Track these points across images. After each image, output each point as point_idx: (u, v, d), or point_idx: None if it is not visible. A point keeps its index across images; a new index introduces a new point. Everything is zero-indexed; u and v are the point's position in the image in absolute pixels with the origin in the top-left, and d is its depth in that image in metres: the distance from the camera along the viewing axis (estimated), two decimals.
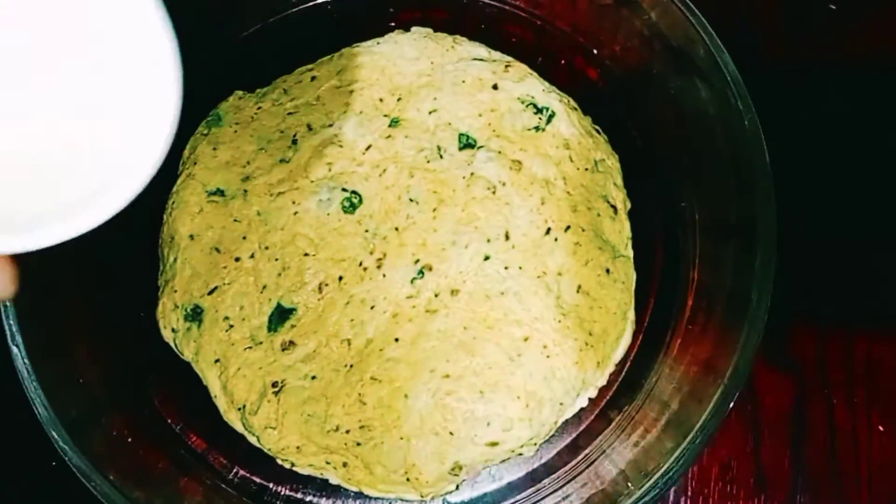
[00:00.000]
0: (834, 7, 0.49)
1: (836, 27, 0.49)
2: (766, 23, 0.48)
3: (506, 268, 0.40)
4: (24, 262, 0.30)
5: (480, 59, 0.44)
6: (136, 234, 0.43)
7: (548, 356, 0.39)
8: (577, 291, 0.40)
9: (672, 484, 0.35)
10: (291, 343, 0.40)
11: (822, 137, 0.46)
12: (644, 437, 0.39)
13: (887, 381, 0.44)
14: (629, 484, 0.37)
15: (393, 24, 0.46)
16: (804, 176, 0.44)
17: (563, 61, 0.45)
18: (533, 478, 0.41)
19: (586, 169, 0.42)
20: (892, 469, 0.43)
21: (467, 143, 0.42)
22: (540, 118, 0.43)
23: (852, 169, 0.46)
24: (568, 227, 0.41)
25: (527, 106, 0.43)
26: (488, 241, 0.40)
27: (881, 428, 0.43)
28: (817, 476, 0.43)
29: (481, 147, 0.42)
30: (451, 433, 0.38)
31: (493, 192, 0.41)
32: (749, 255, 0.35)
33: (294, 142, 0.42)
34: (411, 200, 0.41)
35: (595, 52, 0.45)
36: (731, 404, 0.34)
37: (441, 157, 0.42)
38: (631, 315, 0.42)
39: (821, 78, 0.48)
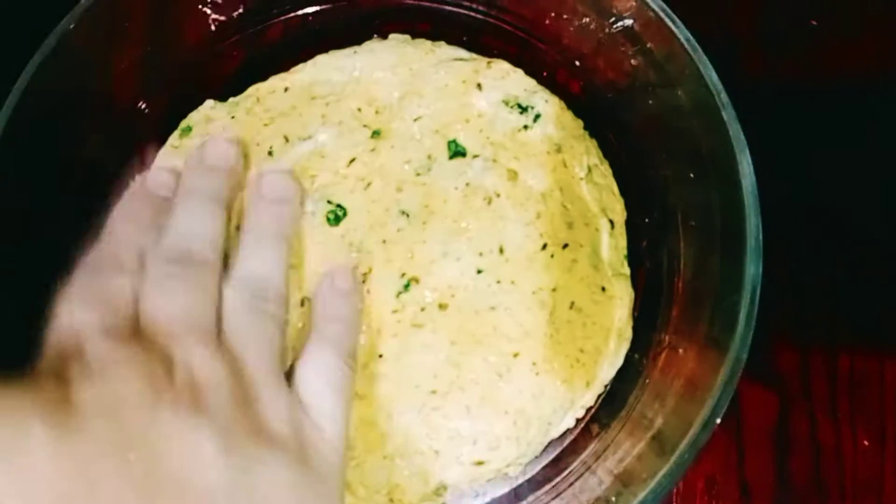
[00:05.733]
0: (815, 23, 0.49)
1: (817, 43, 0.49)
2: (746, 38, 0.49)
3: (498, 282, 0.39)
4: None
5: (461, 60, 0.44)
6: None
7: (537, 373, 0.38)
8: (571, 308, 0.40)
9: (658, 501, 0.35)
10: None
11: (804, 152, 0.47)
12: (629, 454, 0.38)
13: (871, 395, 0.44)
14: (614, 501, 0.37)
15: (375, 35, 0.45)
16: (785, 190, 0.44)
17: (545, 73, 0.45)
18: (517, 494, 0.41)
19: (581, 178, 0.42)
20: (876, 484, 0.42)
21: (457, 152, 0.42)
22: (526, 117, 0.42)
23: (835, 183, 0.46)
24: (566, 245, 0.40)
25: (512, 106, 0.42)
26: (480, 254, 0.39)
27: (866, 443, 0.43)
28: (802, 490, 0.42)
29: (476, 156, 0.41)
30: (436, 451, 0.37)
31: (489, 203, 0.40)
32: (736, 268, 0.34)
33: (270, 154, 0.41)
34: (401, 213, 0.40)
35: (577, 63, 0.45)
36: (719, 420, 0.33)
37: (430, 168, 0.41)
38: (627, 333, 0.41)
39: (802, 93, 0.48)
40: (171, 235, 0.33)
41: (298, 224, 0.39)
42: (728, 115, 0.36)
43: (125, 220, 0.35)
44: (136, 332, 0.29)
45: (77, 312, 0.30)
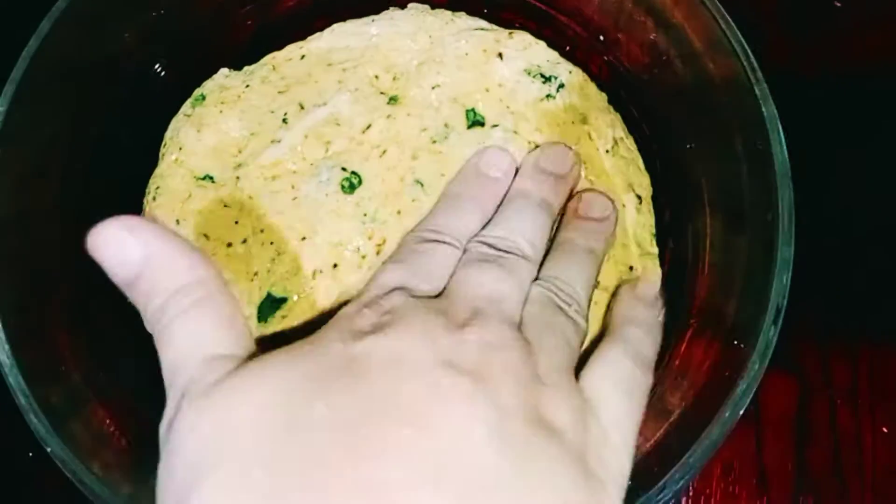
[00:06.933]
0: (839, 5, 0.48)
1: (841, 23, 0.48)
2: (770, 20, 0.48)
3: None
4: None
5: (482, 30, 0.43)
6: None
7: None
8: (597, 287, 0.38)
9: (678, 491, 0.34)
10: (282, 335, 0.38)
11: (830, 138, 0.46)
12: (648, 440, 0.37)
13: (892, 382, 0.43)
14: (630, 485, 0.36)
15: (392, 7, 0.44)
16: (809, 177, 0.43)
17: (567, 48, 0.43)
18: None
19: (606, 151, 0.41)
20: (895, 470, 0.42)
21: (476, 121, 0.40)
22: (549, 86, 0.41)
23: (860, 170, 0.46)
24: None
25: (535, 76, 0.41)
26: None
27: (885, 430, 0.42)
28: (821, 477, 0.42)
29: (495, 126, 0.40)
30: None
31: None
32: (766, 250, 0.33)
33: (285, 121, 0.41)
34: (416, 182, 0.39)
35: (601, 38, 0.43)
36: (742, 412, 0.33)
37: (447, 137, 0.40)
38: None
39: (825, 75, 0.47)
40: (497, 227, 0.34)
41: (607, 245, 0.38)
42: (760, 89, 0.35)
43: (453, 196, 0.37)
44: (440, 300, 0.30)
45: (390, 271, 0.32)
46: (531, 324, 0.30)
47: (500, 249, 0.33)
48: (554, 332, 0.31)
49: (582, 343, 0.33)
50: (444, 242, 0.33)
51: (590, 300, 0.35)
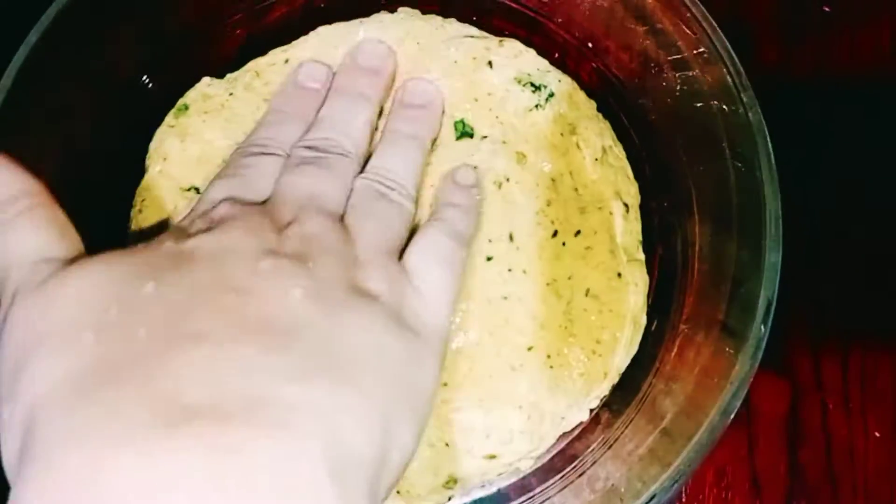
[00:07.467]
0: (828, 9, 0.49)
1: (830, 29, 0.48)
2: (759, 25, 0.48)
3: (509, 270, 0.38)
4: None
5: (472, 37, 0.42)
6: (109, 229, 0.41)
7: (551, 366, 0.37)
8: (586, 295, 0.39)
9: (668, 496, 0.34)
10: None
11: (817, 141, 0.46)
12: (641, 445, 0.37)
13: (884, 385, 0.43)
14: (623, 492, 0.36)
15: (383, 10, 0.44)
16: (798, 179, 0.43)
17: (556, 55, 0.44)
18: (524, 485, 0.40)
19: (595, 160, 0.41)
20: (888, 474, 0.42)
21: (465, 132, 0.40)
22: (539, 96, 0.41)
23: (849, 172, 0.46)
24: (578, 233, 0.39)
25: (525, 85, 0.41)
26: (490, 241, 0.38)
27: (877, 434, 0.42)
28: (813, 481, 0.42)
29: (484, 137, 0.40)
30: (446, 444, 0.36)
31: (499, 188, 0.39)
32: (754, 255, 0.34)
33: None
34: None
35: (589, 45, 0.43)
36: (733, 415, 0.33)
37: (436, 149, 0.40)
38: (642, 320, 0.40)
39: (815, 80, 0.47)
40: (317, 129, 0.36)
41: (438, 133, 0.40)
42: (747, 97, 0.35)
43: (276, 111, 0.38)
44: (264, 202, 0.32)
45: (218, 186, 0.34)
46: (352, 213, 0.33)
47: (319, 150, 0.35)
48: (374, 216, 0.33)
49: (409, 223, 0.35)
50: (268, 154, 0.35)
51: (418, 185, 0.37)
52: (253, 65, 0.42)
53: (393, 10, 0.43)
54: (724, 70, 0.35)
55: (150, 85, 0.42)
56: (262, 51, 0.43)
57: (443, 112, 0.40)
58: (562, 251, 0.39)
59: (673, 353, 0.39)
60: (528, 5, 0.44)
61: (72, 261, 0.27)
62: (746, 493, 0.42)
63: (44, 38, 0.36)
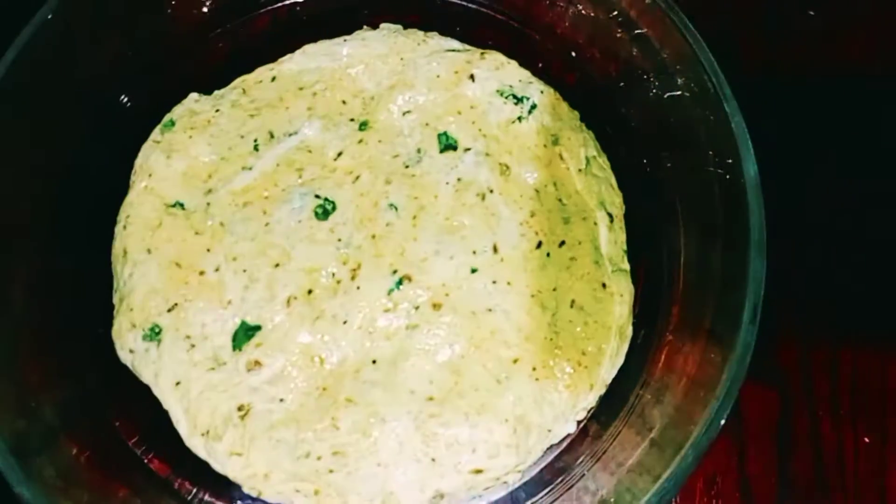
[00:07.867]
0: (813, 13, 0.49)
1: (814, 32, 0.48)
2: (745, 29, 0.48)
3: (493, 282, 0.38)
4: None
5: (454, 51, 0.43)
6: (93, 246, 0.40)
7: (537, 379, 0.37)
8: (571, 306, 0.39)
9: None
10: (257, 363, 0.37)
11: (804, 145, 0.46)
12: (630, 456, 0.37)
13: (873, 393, 0.43)
14: (613, 502, 0.36)
15: (365, 27, 0.44)
16: (783, 185, 0.43)
17: (539, 64, 0.43)
18: (514, 499, 0.40)
19: (579, 170, 0.41)
20: (878, 481, 0.42)
21: (448, 145, 0.40)
22: (521, 108, 0.41)
23: (836, 176, 0.46)
24: (562, 243, 0.39)
25: (507, 97, 0.41)
26: (474, 252, 0.38)
27: (867, 440, 0.42)
28: (803, 488, 0.42)
29: (468, 149, 0.40)
30: (432, 459, 0.36)
31: (483, 199, 0.39)
32: (739, 264, 0.33)
33: (256, 148, 0.40)
34: (390, 206, 0.39)
35: (573, 54, 0.43)
36: (723, 422, 0.32)
37: (420, 160, 0.40)
38: (628, 331, 0.40)
39: (801, 82, 0.47)
40: None
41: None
42: (730, 105, 0.35)
43: None
44: None
45: None
46: None
47: None
48: None
49: None
50: None
51: None
52: (240, 81, 0.43)
53: (375, 26, 0.44)
54: (707, 79, 0.35)
55: (132, 102, 0.42)
56: (246, 64, 0.43)
57: None
58: (546, 262, 0.39)
59: (660, 364, 0.38)
60: (510, 14, 0.44)
61: None
62: (737, 502, 0.42)
63: (23, 52, 0.35)
